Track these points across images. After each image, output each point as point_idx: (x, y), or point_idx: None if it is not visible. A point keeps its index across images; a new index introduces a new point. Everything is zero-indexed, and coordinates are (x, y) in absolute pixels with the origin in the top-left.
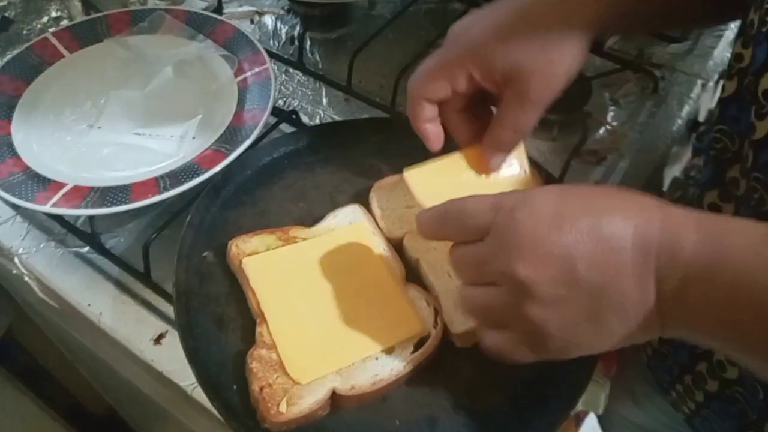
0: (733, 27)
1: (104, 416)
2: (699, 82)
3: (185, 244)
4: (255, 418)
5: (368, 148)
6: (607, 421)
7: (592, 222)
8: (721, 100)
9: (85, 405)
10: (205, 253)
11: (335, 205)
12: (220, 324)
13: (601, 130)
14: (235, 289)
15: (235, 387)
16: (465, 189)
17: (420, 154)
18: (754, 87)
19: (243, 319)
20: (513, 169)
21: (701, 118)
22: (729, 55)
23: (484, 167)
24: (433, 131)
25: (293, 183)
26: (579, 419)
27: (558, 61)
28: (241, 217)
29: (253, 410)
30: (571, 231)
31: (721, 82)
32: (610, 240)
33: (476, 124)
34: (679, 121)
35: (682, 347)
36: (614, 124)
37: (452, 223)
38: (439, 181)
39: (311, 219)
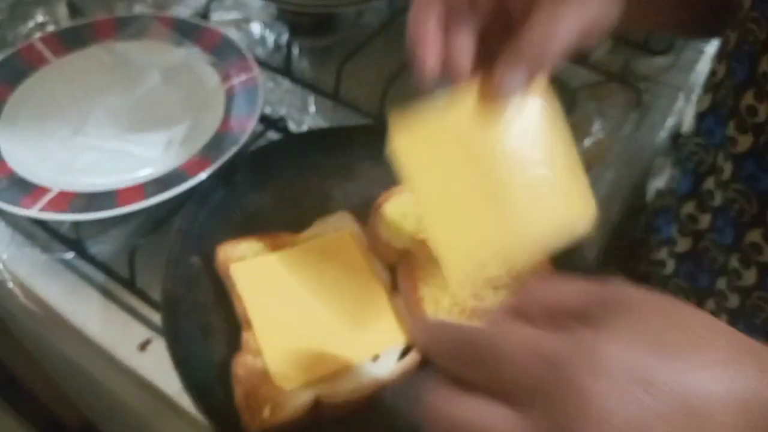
0: (715, 43)
1: (79, 430)
2: (681, 95)
3: (173, 249)
4: (239, 423)
5: (358, 154)
6: None
7: (678, 389)
8: (697, 114)
9: (60, 418)
10: (193, 259)
11: (324, 212)
12: (207, 330)
13: (586, 141)
14: (221, 296)
15: (220, 392)
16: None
17: None
18: (734, 102)
19: (229, 325)
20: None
21: (684, 130)
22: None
23: (491, 105)
24: (436, 46)
25: (282, 189)
26: None
27: None
28: (229, 222)
29: (237, 415)
30: (651, 401)
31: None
32: (699, 409)
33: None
34: (663, 133)
35: None
36: (600, 135)
37: (478, 362)
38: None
39: (300, 225)
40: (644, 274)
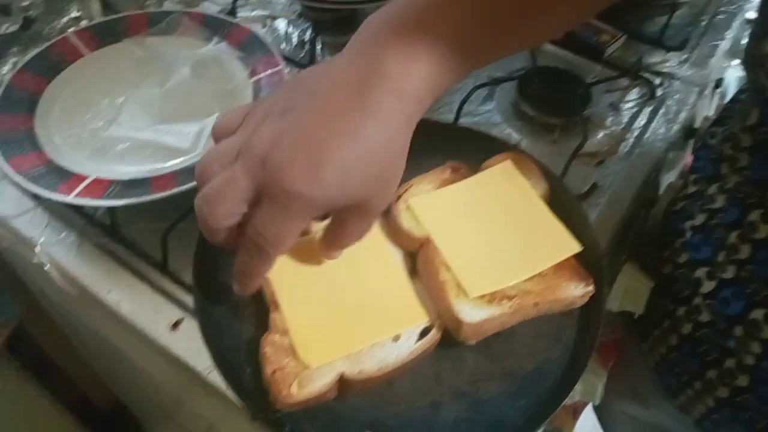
0: (728, 38)
1: (110, 410)
2: (695, 89)
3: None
4: (267, 399)
5: None
6: (608, 416)
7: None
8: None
9: (92, 398)
10: None
11: None
12: (236, 310)
13: (600, 134)
14: None
15: (248, 370)
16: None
17: (427, 153)
18: None
19: (257, 306)
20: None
21: (697, 124)
22: (724, 65)
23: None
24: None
25: None
26: (576, 411)
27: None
28: None
29: (265, 392)
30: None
31: (718, 91)
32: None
33: None
34: (676, 127)
35: (691, 354)
36: (613, 128)
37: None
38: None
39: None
40: (671, 277)
